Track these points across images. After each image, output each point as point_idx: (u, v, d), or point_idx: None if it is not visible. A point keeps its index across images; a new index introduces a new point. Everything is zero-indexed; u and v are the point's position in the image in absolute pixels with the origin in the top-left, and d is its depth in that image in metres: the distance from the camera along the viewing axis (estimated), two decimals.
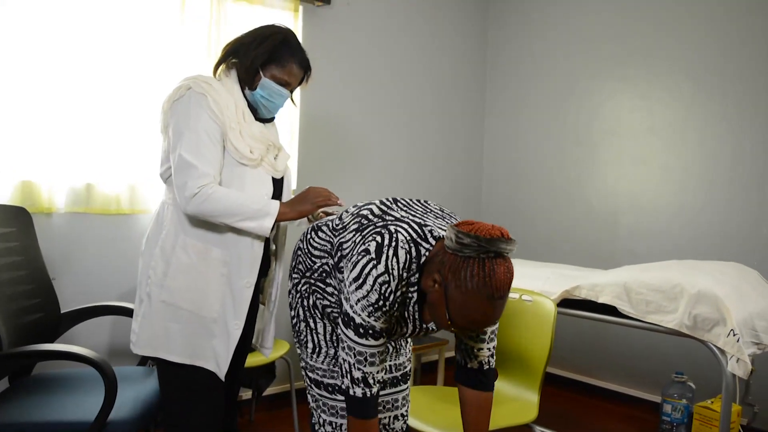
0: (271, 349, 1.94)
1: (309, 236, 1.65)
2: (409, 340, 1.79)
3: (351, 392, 1.41)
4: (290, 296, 1.70)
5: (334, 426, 1.63)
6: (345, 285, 1.40)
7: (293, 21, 3.11)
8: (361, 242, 1.40)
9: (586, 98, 3.62)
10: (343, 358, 1.41)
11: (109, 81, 2.54)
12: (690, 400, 2.75)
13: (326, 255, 1.56)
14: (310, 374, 1.67)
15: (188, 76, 1.69)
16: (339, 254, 1.50)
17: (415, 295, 1.41)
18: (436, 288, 1.29)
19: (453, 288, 1.24)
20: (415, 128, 3.78)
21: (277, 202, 1.68)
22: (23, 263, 2.05)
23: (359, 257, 1.36)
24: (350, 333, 1.38)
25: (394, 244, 1.35)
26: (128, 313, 2.08)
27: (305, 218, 1.85)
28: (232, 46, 1.75)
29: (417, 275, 1.38)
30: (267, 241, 1.80)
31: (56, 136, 2.43)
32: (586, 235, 3.61)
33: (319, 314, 1.63)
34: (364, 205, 1.55)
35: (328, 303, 1.59)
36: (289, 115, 3.06)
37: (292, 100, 1.85)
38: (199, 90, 1.63)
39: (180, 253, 1.66)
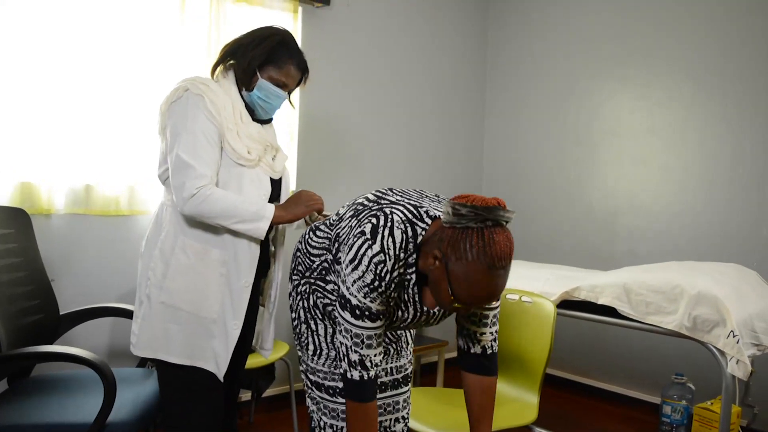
0: (270, 351, 1.94)
1: (307, 236, 1.65)
2: (410, 341, 1.78)
3: (348, 375, 1.41)
4: (291, 298, 1.70)
5: (335, 429, 1.62)
6: (342, 268, 1.39)
7: (293, 22, 3.10)
8: (357, 226, 1.40)
9: (586, 98, 3.62)
10: (340, 341, 1.42)
11: (108, 82, 2.54)
12: (690, 401, 2.75)
13: (325, 251, 1.56)
14: (310, 377, 1.66)
15: (185, 78, 1.69)
16: (337, 244, 1.50)
17: (413, 276, 1.40)
18: (436, 265, 1.28)
19: (453, 261, 1.24)
20: (415, 128, 3.78)
21: (273, 206, 1.69)
22: (22, 264, 2.04)
23: (355, 239, 1.36)
24: (347, 315, 1.38)
25: (389, 224, 1.35)
26: (127, 314, 2.08)
27: (303, 221, 1.85)
28: (230, 47, 1.75)
29: (414, 256, 1.38)
30: (266, 242, 1.80)
31: (55, 137, 2.43)
32: (586, 236, 3.61)
33: (320, 315, 1.63)
34: (359, 196, 1.56)
35: (328, 301, 1.59)
36: (288, 116, 3.06)
37: (290, 101, 1.85)
38: (197, 91, 1.63)
39: (179, 255, 1.66)
